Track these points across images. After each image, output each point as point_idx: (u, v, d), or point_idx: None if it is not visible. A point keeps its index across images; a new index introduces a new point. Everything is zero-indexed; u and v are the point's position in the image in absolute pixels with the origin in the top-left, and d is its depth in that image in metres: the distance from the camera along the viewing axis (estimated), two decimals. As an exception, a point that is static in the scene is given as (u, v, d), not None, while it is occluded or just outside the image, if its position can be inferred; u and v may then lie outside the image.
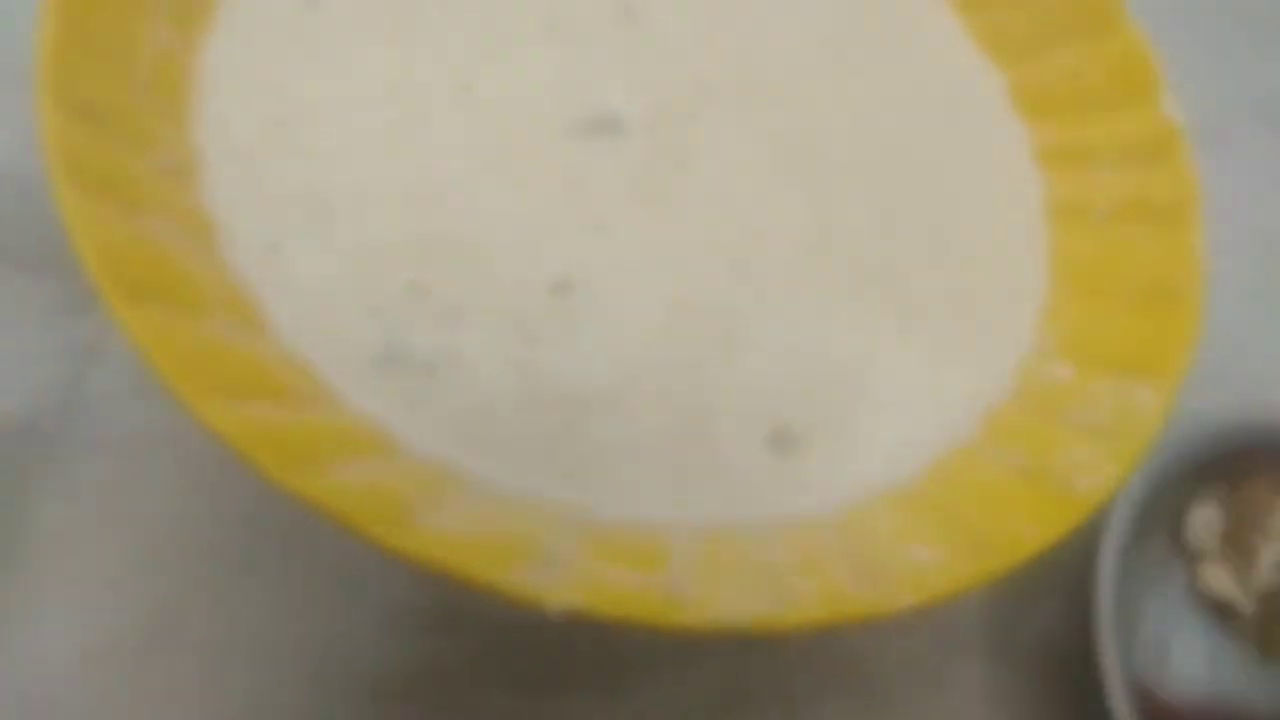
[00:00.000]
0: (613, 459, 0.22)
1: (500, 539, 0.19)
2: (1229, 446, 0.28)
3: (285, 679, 0.24)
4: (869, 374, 0.24)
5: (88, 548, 0.25)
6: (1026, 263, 0.27)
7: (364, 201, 0.23)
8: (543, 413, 0.22)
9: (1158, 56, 0.27)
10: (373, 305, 0.22)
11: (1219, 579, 0.28)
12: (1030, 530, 0.21)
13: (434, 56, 0.25)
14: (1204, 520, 0.28)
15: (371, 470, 0.19)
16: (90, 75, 0.20)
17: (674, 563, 0.20)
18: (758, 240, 0.25)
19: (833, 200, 0.26)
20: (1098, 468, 0.22)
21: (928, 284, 0.26)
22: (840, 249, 0.25)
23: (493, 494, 0.20)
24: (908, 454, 0.23)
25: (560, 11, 0.27)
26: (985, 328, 0.25)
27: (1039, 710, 0.27)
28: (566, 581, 0.18)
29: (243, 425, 0.17)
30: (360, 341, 0.21)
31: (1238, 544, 0.28)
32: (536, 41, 0.26)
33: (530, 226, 0.23)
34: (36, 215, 0.28)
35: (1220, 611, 0.28)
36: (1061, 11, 0.29)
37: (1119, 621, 0.24)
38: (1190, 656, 0.27)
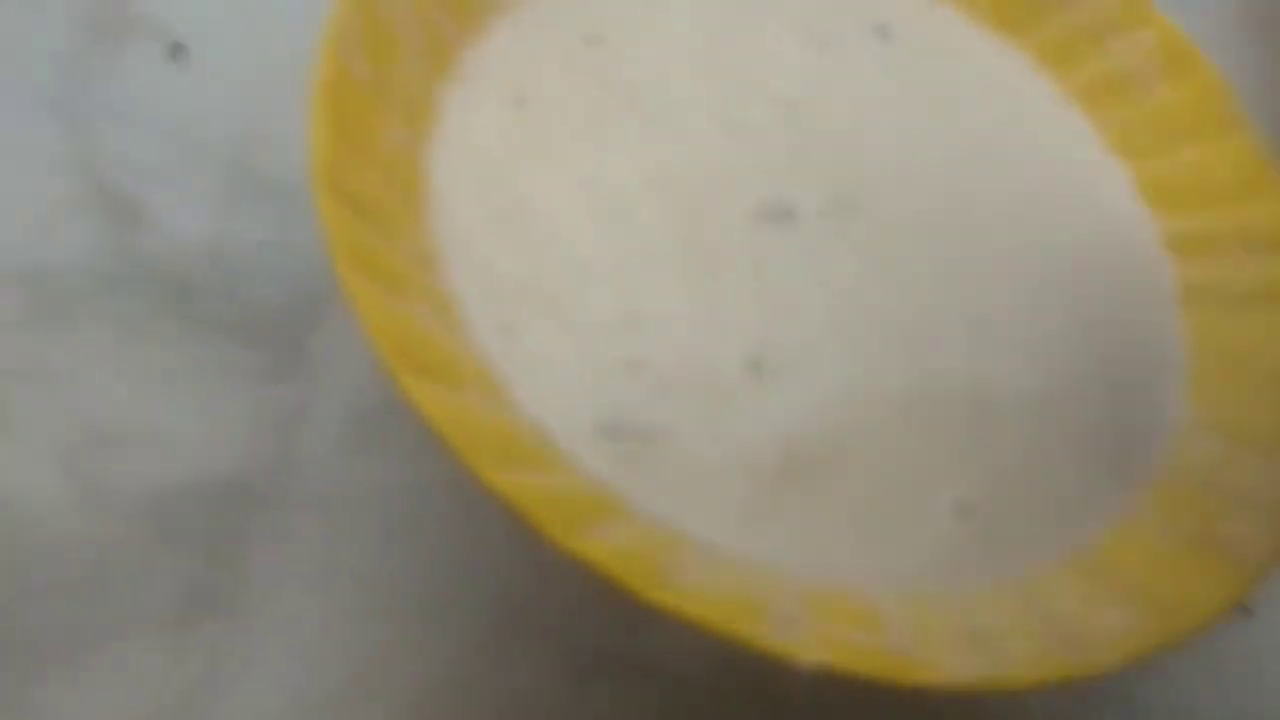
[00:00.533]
0: (811, 527, 0.23)
1: (742, 597, 0.21)
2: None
3: (484, 727, 0.26)
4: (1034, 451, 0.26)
5: (298, 601, 0.26)
6: (1168, 344, 0.29)
7: (579, 285, 0.25)
8: (743, 484, 0.24)
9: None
10: (595, 380, 0.24)
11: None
12: (1205, 594, 0.22)
13: (628, 149, 0.27)
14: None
15: (622, 532, 0.21)
16: (353, 169, 0.23)
17: (887, 624, 0.21)
18: (925, 321, 0.27)
19: (985, 285, 0.28)
20: (1260, 539, 0.24)
21: (1076, 370, 0.28)
22: (996, 330, 0.28)
23: (716, 557, 0.22)
24: (1076, 529, 0.25)
25: (734, 112, 0.29)
26: (1133, 407, 0.27)
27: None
28: (809, 639, 0.20)
29: (524, 491, 0.19)
30: (585, 412, 0.23)
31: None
32: (716, 138, 0.28)
33: (724, 307, 0.26)
34: (233, 285, 0.30)
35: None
36: (1185, 114, 0.31)
37: None
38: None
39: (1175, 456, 0.26)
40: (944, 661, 0.20)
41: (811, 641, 0.20)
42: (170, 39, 0.33)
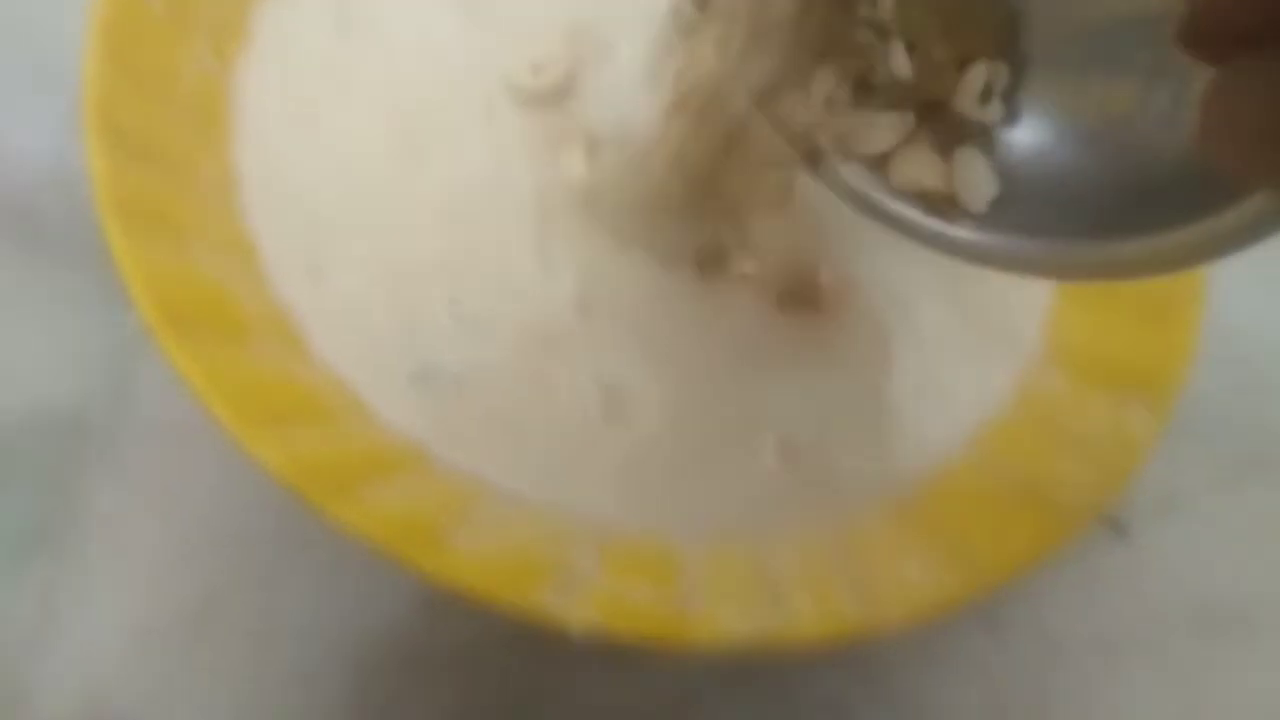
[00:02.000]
0: (625, 471, 0.23)
1: (525, 555, 0.20)
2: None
3: (325, 658, 0.26)
4: (875, 384, 0.25)
5: (137, 533, 0.26)
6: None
7: (395, 222, 0.24)
8: (563, 426, 0.23)
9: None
10: (409, 324, 0.23)
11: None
12: (1020, 546, 0.22)
13: (457, 81, 0.26)
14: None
15: (404, 489, 0.21)
16: (134, 108, 0.22)
17: (684, 575, 0.21)
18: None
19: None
20: (1087, 484, 0.23)
21: (931, 293, 0.27)
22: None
23: (516, 506, 0.22)
24: (905, 465, 0.24)
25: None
26: (987, 337, 0.26)
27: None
28: (586, 598, 0.20)
29: (286, 456, 0.19)
30: (396, 360, 0.23)
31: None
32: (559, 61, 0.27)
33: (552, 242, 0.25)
34: (77, 210, 0.29)
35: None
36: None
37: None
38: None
39: (1019, 391, 0.25)
40: (724, 617, 0.20)
41: (591, 600, 0.19)
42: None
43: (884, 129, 0.19)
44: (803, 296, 0.25)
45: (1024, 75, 0.19)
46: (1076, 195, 0.18)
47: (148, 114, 0.22)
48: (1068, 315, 0.27)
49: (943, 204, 0.18)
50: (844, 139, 0.19)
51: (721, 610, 0.20)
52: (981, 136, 0.19)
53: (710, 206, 0.25)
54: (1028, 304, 0.27)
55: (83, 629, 0.25)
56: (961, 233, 0.18)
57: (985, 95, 0.18)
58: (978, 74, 0.18)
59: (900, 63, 0.18)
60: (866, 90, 0.19)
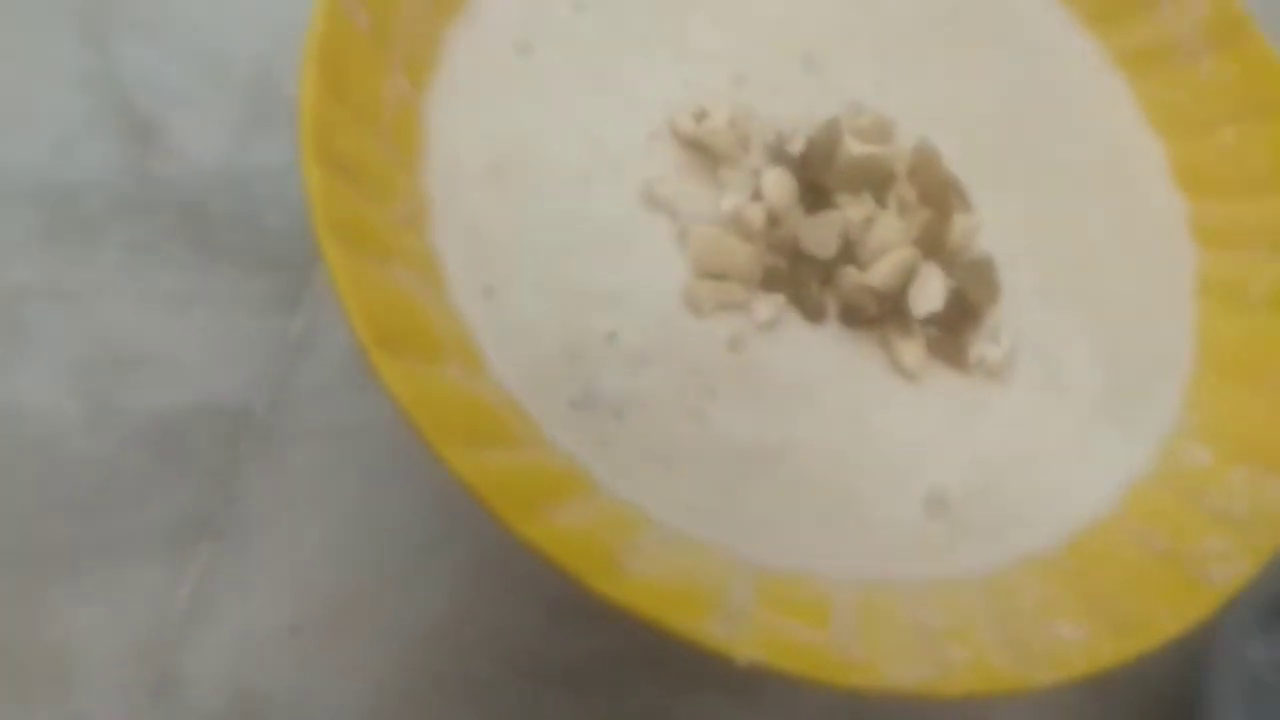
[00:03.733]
0: (777, 512, 0.24)
1: (690, 587, 0.21)
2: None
3: (459, 663, 0.27)
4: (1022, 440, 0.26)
5: (291, 528, 0.28)
6: (1175, 339, 0.28)
7: (565, 249, 0.25)
8: (717, 462, 0.24)
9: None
10: (572, 350, 0.24)
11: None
12: (1166, 614, 0.22)
13: (633, 105, 0.27)
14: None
15: (580, 513, 0.21)
16: (345, 131, 0.23)
17: (835, 617, 0.22)
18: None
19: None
20: (1231, 559, 0.23)
21: (1079, 353, 0.27)
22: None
23: (675, 539, 0.23)
24: (1053, 522, 0.25)
25: (749, 60, 0.28)
26: (1131, 402, 0.27)
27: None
28: (748, 634, 0.20)
29: (483, 474, 0.20)
30: (562, 384, 0.24)
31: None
32: (725, 93, 0.28)
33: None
34: (250, 212, 0.31)
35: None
36: (1229, 91, 0.30)
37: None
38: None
39: (1162, 462, 0.26)
40: (883, 662, 0.21)
41: (752, 636, 0.20)
42: (194, -52, 0.33)
43: None
44: (953, 346, 0.26)
45: None
46: None
47: (357, 137, 0.23)
48: (1207, 387, 0.27)
49: None
50: None
51: (881, 656, 0.21)
52: None
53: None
54: (1171, 371, 0.27)
55: (235, 618, 0.27)
56: None
57: None
58: None
59: None
60: None
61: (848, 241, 0.26)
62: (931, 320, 0.26)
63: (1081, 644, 0.22)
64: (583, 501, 0.22)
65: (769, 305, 0.25)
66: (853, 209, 0.26)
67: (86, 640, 0.26)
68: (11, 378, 0.27)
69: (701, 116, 0.27)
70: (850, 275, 0.26)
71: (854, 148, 0.26)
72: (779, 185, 0.26)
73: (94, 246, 0.29)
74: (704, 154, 0.27)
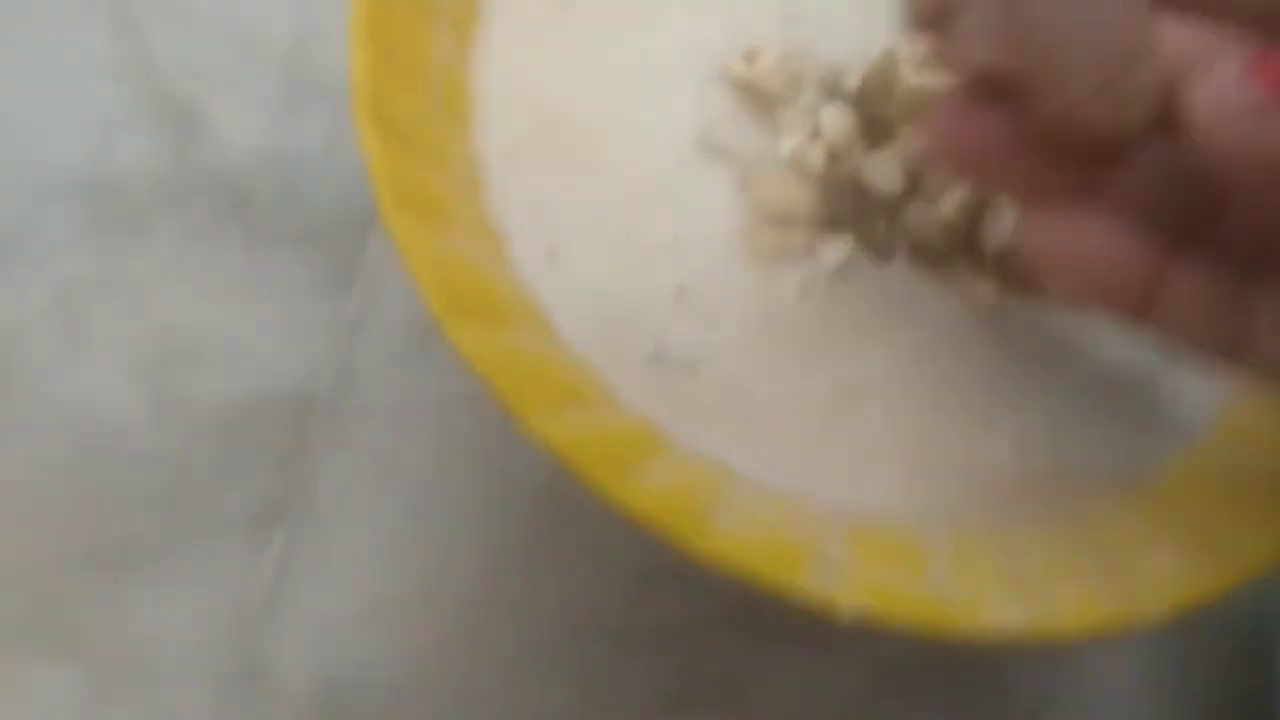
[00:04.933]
0: (861, 459, 0.23)
1: (784, 541, 0.21)
2: None
3: (543, 633, 0.27)
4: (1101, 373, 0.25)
5: (365, 508, 0.27)
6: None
7: (625, 204, 0.24)
8: (796, 412, 0.23)
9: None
10: (640, 306, 0.23)
11: None
12: (1266, 538, 0.22)
13: (683, 51, 0.26)
14: None
15: (665, 472, 0.21)
16: (397, 97, 0.22)
17: (931, 564, 0.21)
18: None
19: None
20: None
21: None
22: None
23: (759, 490, 0.22)
24: (1144, 453, 0.24)
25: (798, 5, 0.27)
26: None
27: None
28: (848, 584, 0.20)
29: (567, 438, 0.19)
30: (633, 343, 0.23)
31: None
32: (776, 32, 0.27)
33: (781, 228, 0.25)
34: (295, 193, 0.30)
35: None
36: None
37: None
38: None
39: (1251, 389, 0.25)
40: (985, 606, 0.20)
41: (851, 586, 0.20)
42: (219, -73, 0.32)
43: None
44: (1029, 280, 0.25)
45: None
46: None
47: (409, 103, 0.22)
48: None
49: None
50: None
51: (982, 600, 0.20)
52: None
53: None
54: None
55: (316, 602, 0.26)
56: None
57: None
58: None
59: None
60: None
61: (913, 175, 0.25)
62: (1006, 254, 0.25)
63: (1185, 574, 0.21)
64: (665, 460, 0.21)
65: (836, 248, 0.25)
66: (916, 141, 0.25)
67: (169, 634, 0.26)
68: (73, 375, 0.27)
69: (753, 58, 0.26)
70: (918, 210, 0.25)
71: (912, 78, 0.26)
72: (837, 122, 0.25)
73: (143, 236, 0.29)
74: (759, 97, 0.26)
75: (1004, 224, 0.25)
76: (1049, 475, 0.23)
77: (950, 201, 0.25)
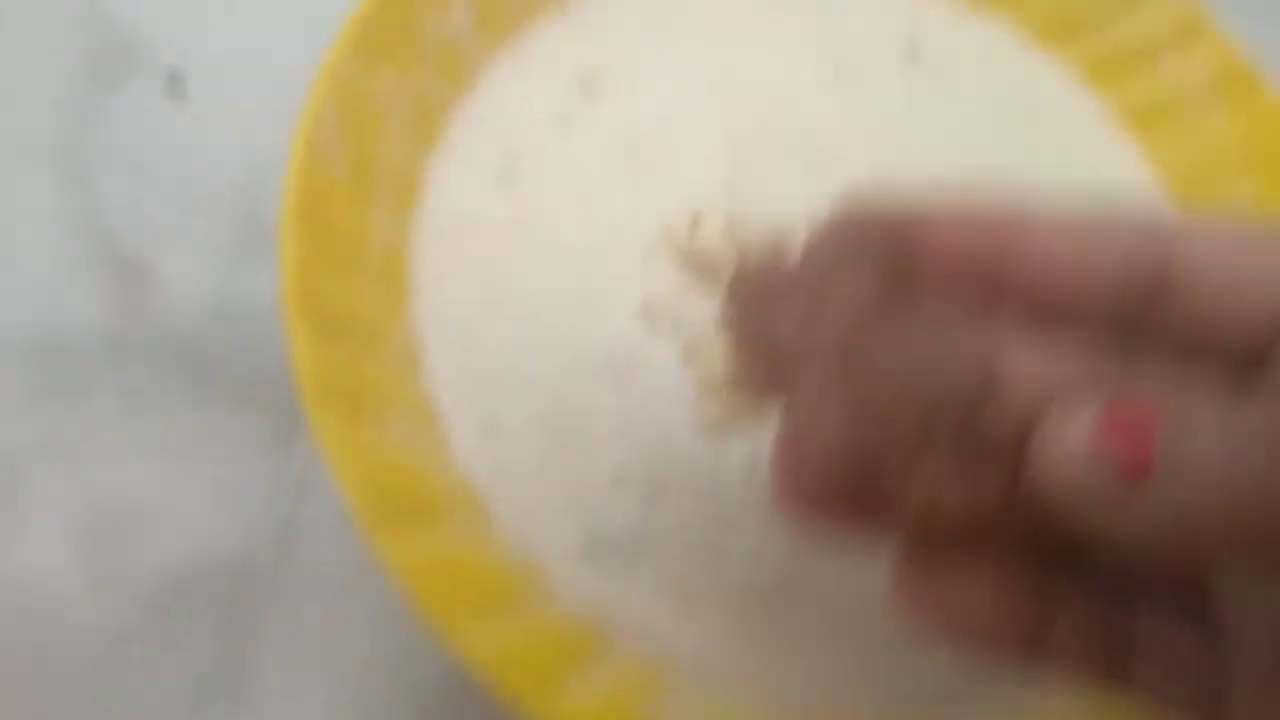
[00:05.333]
0: (807, 651, 0.23)
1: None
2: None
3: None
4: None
5: (306, 683, 0.26)
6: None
7: (568, 381, 0.24)
8: (740, 603, 0.23)
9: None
10: (580, 490, 0.23)
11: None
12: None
13: (626, 221, 0.26)
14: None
15: (601, 678, 0.20)
16: (330, 282, 0.22)
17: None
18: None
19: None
20: None
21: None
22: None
23: (703, 692, 0.22)
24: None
25: (742, 163, 0.27)
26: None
27: None
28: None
29: (492, 654, 0.19)
30: (572, 529, 0.23)
31: None
32: (720, 196, 0.27)
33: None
34: (242, 348, 0.30)
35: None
36: (1241, 145, 0.28)
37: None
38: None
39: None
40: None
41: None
42: (169, 73, 0.32)
43: None
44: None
45: None
46: None
47: (342, 287, 0.22)
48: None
49: None
50: None
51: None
52: None
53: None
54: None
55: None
56: None
57: None
58: None
59: None
60: None
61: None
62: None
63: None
64: (601, 666, 0.21)
65: (782, 420, 0.24)
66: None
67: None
68: (10, 548, 0.27)
69: (696, 226, 0.26)
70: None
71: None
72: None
73: (87, 397, 0.28)
74: (703, 265, 0.26)
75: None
76: (983, 682, 0.23)
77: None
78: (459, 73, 0.26)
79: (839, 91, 0.29)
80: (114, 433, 0.28)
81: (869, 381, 0.14)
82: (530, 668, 0.19)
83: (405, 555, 0.19)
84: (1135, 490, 0.13)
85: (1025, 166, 0.29)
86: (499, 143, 0.26)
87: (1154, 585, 0.16)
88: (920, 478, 0.14)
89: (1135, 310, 0.16)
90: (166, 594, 0.27)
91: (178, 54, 0.33)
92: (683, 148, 0.27)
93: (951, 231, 0.16)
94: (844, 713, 0.22)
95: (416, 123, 0.25)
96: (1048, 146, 0.30)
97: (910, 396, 0.14)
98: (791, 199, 0.26)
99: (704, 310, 0.25)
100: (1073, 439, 0.13)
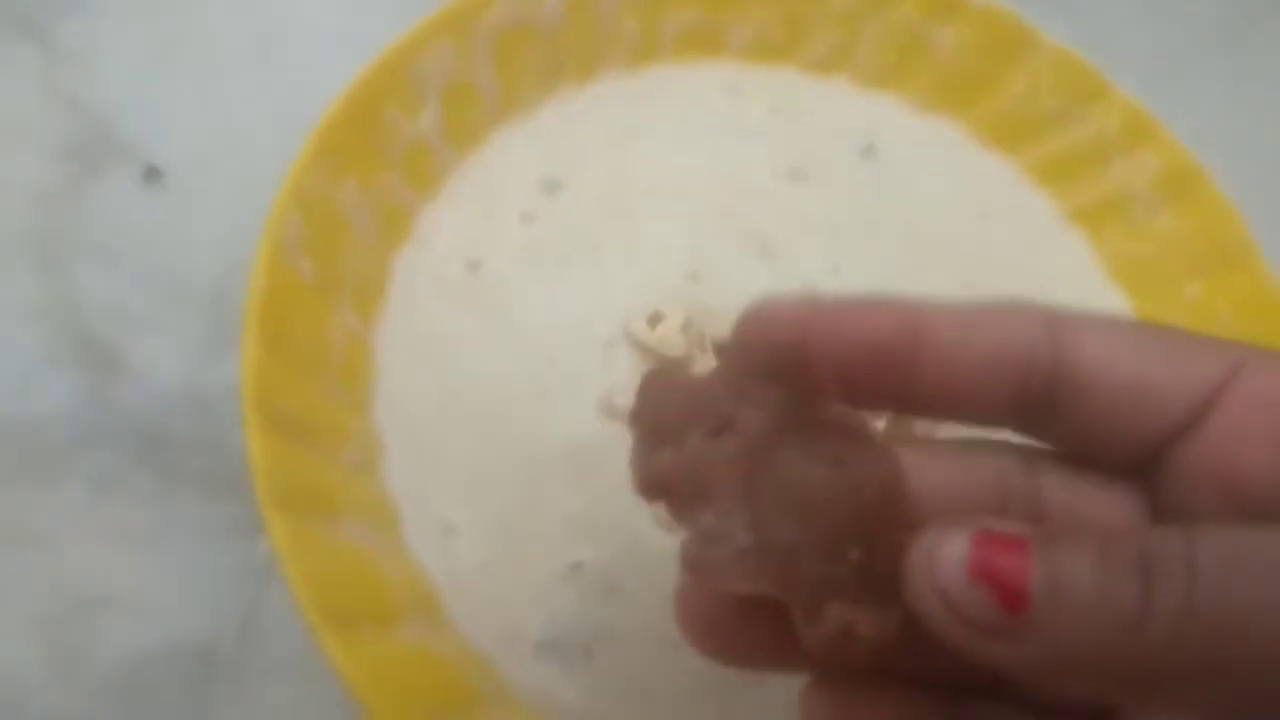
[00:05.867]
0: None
1: None
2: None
3: None
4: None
5: (266, 768, 0.27)
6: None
7: (526, 481, 0.24)
8: (693, 696, 0.23)
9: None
10: (534, 586, 0.23)
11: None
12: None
13: (588, 313, 0.27)
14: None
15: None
16: (290, 387, 0.22)
17: None
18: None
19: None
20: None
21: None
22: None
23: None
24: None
25: (702, 258, 0.28)
26: None
27: None
28: None
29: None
30: (525, 626, 0.23)
31: None
32: (680, 290, 0.27)
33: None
34: (209, 434, 0.30)
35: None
36: (1189, 246, 0.29)
37: None
38: None
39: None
40: None
41: None
42: (147, 164, 0.33)
43: None
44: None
45: None
46: None
47: (303, 387, 0.23)
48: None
49: None
50: None
51: None
52: None
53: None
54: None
55: None
56: None
57: None
58: None
59: None
60: None
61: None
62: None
63: None
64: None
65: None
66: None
67: None
68: (-27, 634, 0.27)
69: (656, 320, 0.26)
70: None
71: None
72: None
73: (56, 483, 0.29)
74: (662, 359, 0.26)
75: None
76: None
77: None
78: (426, 176, 0.27)
79: (797, 189, 0.30)
80: (81, 519, 0.29)
81: (772, 515, 0.14)
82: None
83: (355, 656, 0.20)
84: (1013, 621, 0.13)
85: (977, 262, 0.30)
86: (464, 242, 0.27)
87: (1064, 715, 0.16)
88: (827, 612, 0.14)
89: (1037, 406, 0.16)
90: (130, 679, 0.27)
91: (155, 146, 0.34)
92: (643, 244, 0.28)
93: (856, 321, 0.16)
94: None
95: (382, 224, 0.26)
96: (999, 243, 0.31)
97: (813, 526, 0.14)
98: (749, 294, 0.27)
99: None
100: (949, 562, 0.13)
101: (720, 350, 0.26)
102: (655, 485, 0.16)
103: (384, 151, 0.26)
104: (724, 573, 0.14)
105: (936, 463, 0.16)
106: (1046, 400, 0.16)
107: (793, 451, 0.15)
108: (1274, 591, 0.12)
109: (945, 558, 0.13)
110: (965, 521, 0.14)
